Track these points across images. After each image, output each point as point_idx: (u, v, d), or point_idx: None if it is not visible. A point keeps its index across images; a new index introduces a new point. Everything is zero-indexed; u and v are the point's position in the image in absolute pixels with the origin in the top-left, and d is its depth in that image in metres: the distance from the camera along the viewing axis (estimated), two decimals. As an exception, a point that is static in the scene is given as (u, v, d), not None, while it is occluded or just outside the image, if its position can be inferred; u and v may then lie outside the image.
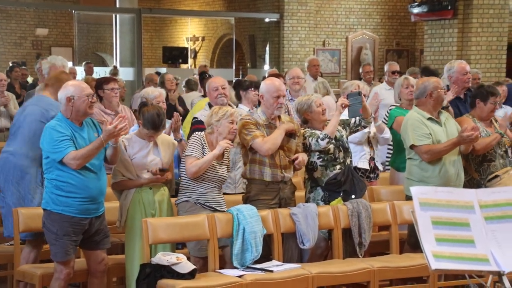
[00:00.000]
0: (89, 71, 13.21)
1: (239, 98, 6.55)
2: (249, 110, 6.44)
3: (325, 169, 5.38)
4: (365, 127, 5.67)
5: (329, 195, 5.37)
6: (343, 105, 5.40)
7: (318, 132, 5.40)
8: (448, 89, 6.77)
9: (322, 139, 5.28)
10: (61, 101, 4.70)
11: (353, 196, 5.38)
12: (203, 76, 9.66)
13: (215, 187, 5.07)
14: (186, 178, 5.03)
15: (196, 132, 5.11)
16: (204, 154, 4.97)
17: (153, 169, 4.95)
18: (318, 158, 5.38)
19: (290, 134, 5.26)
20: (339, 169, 5.38)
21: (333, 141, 5.36)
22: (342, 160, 5.43)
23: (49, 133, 4.63)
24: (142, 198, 4.98)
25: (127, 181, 4.97)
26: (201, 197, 5.02)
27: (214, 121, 5.00)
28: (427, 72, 10.21)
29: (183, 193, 5.06)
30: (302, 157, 5.23)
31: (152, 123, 4.93)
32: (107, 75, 12.88)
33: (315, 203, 5.35)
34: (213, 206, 5.05)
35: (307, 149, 5.36)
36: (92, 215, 4.71)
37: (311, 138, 5.34)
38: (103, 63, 18.96)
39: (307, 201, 5.41)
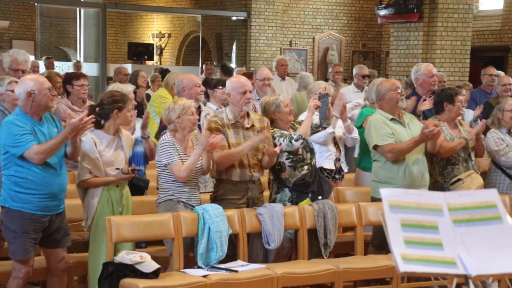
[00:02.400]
0: (49, 66, 12.98)
1: (207, 97, 6.51)
2: (216, 108, 6.40)
3: (293, 169, 5.37)
4: (325, 128, 5.70)
5: (297, 196, 5.36)
6: (315, 106, 5.41)
7: (286, 132, 5.38)
8: (414, 94, 6.82)
9: (296, 140, 5.27)
10: (19, 96, 4.58)
11: (320, 197, 5.38)
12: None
13: (195, 185, 5.07)
14: (168, 178, 4.97)
15: (163, 137, 5.04)
16: (180, 154, 4.94)
17: (125, 168, 4.86)
18: (286, 159, 5.36)
19: (258, 133, 5.22)
20: (306, 169, 5.38)
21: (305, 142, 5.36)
22: (309, 161, 5.44)
23: (7, 128, 4.51)
24: (110, 196, 4.90)
25: (96, 179, 4.87)
26: (184, 195, 4.99)
27: (174, 118, 4.95)
28: (225, 69, 10.69)
29: (166, 192, 5.01)
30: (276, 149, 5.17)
31: (111, 95, 4.89)
32: (70, 70, 12.71)
33: (281, 204, 5.33)
34: (193, 204, 5.03)
35: (282, 149, 5.31)
36: (52, 212, 4.62)
37: (282, 138, 5.32)
38: (66, 58, 18.70)
39: (273, 202, 5.39)
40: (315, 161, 5.54)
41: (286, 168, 5.37)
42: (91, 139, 4.83)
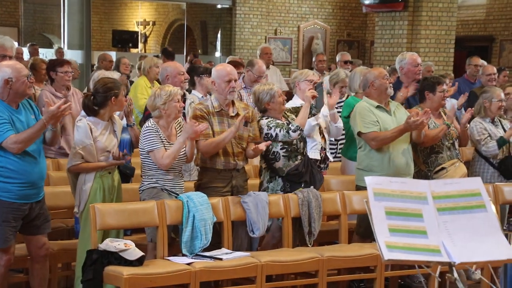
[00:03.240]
0: (34, 53, 12.87)
1: (193, 84, 6.48)
2: (202, 96, 6.38)
3: (288, 159, 5.37)
4: (314, 114, 5.68)
5: (290, 186, 5.37)
6: (313, 97, 5.42)
7: (282, 122, 5.37)
8: (399, 82, 6.84)
9: (294, 131, 5.28)
10: (3, 84, 4.48)
11: (311, 187, 5.40)
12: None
13: (179, 172, 5.05)
14: (152, 165, 4.96)
15: (146, 124, 5.03)
16: (163, 141, 4.92)
17: (116, 153, 4.87)
18: (281, 149, 5.36)
19: (245, 122, 5.23)
20: (300, 159, 5.38)
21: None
22: (302, 151, 5.45)
23: None
24: (103, 183, 4.90)
25: (87, 164, 4.87)
26: (167, 183, 4.98)
27: (160, 104, 4.94)
28: (166, 53, 11.01)
29: (149, 179, 4.99)
30: (262, 147, 5.17)
31: (104, 83, 4.88)
32: (53, 57, 12.60)
33: (273, 193, 5.34)
34: (177, 192, 5.02)
35: (271, 139, 5.32)
36: (32, 200, 4.58)
37: (278, 128, 5.31)
38: (50, 45, 18.53)
39: (264, 190, 5.38)
40: (306, 151, 5.55)
41: (281, 158, 5.37)
42: (86, 125, 4.82)
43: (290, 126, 5.32)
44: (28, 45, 13.58)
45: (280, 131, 5.30)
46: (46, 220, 4.71)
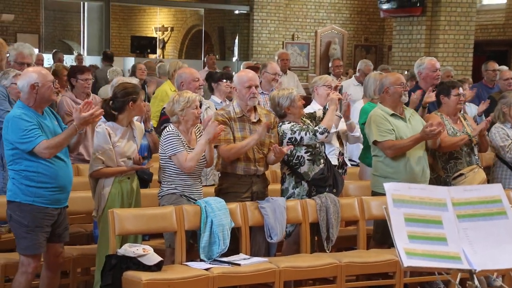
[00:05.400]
0: (58, 60, 13.01)
1: (211, 90, 6.50)
2: (221, 102, 6.40)
3: (312, 163, 5.36)
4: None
5: (316, 190, 5.36)
6: (338, 98, 5.42)
7: (304, 125, 5.36)
8: (418, 87, 6.82)
9: (322, 133, 5.27)
10: (22, 89, 4.50)
11: (334, 191, 5.40)
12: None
13: (198, 178, 5.06)
14: (172, 171, 4.97)
15: (167, 129, 5.06)
16: (184, 145, 4.94)
17: (136, 157, 4.88)
18: (305, 153, 5.35)
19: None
20: (323, 163, 5.37)
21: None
22: (324, 155, 5.44)
23: (15, 123, 4.43)
24: (122, 188, 4.92)
25: (108, 169, 4.89)
26: (187, 189, 5.00)
27: (178, 110, 4.96)
28: (105, 56, 11.93)
29: (169, 185, 5.01)
30: (285, 149, 5.15)
31: (126, 87, 4.91)
32: (73, 63, 12.71)
33: (299, 198, 5.33)
34: (196, 198, 5.03)
35: (295, 143, 5.30)
36: (61, 205, 4.59)
37: (303, 132, 5.30)
38: (70, 51, 18.68)
39: (290, 196, 5.37)
40: (326, 154, 5.55)
41: (306, 162, 5.35)
42: (105, 130, 4.85)
43: (317, 128, 5.30)
44: (53, 51, 13.70)
45: (305, 134, 5.29)
46: (66, 229, 4.72)
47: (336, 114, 5.63)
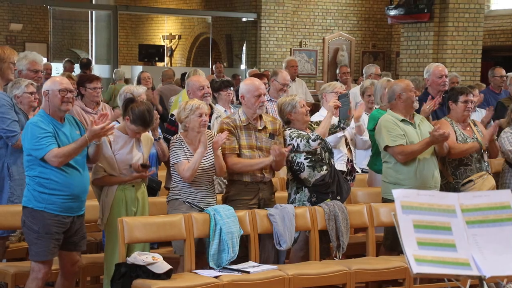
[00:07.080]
0: (69, 69, 13.06)
1: (214, 99, 6.52)
2: (225, 110, 6.41)
3: (313, 169, 5.35)
4: (343, 128, 5.67)
5: (317, 197, 5.35)
6: (335, 106, 5.42)
7: (303, 132, 5.38)
8: (426, 93, 6.81)
9: (314, 140, 5.26)
10: (43, 96, 4.61)
11: (338, 198, 5.38)
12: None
13: (205, 186, 5.06)
14: (177, 177, 5.02)
15: (173, 137, 5.10)
16: (186, 154, 4.96)
17: (136, 165, 4.89)
18: (305, 159, 5.35)
19: (270, 135, 5.24)
20: (325, 169, 5.37)
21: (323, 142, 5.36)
22: (327, 161, 5.43)
23: (30, 130, 4.50)
24: (125, 196, 4.93)
25: (110, 177, 4.91)
26: (190, 196, 5.01)
27: (183, 118, 4.99)
28: (82, 64, 12.02)
29: (172, 191, 5.08)
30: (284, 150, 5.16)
31: (142, 119, 4.88)
32: (77, 69, 12.78)
33: (301, 204, 5.33)
34: (201, 206, 5.03)
35: (293, 150, 5.32)
36: (74, 213, 4.60)
37: (299, 139, 5.30)
38: (78, 60, 18.77)
39: (292, 202, 5.38)
40: (333, 161, 5.53)
41: (305, 168, 5.35)
42: (105, 138, 4.86)
43: (310, 135, 5.31)
44: (64, 60, 13.75)
45: (301, 141, 5.29)
46: (83, 237, 4.72)
47: (338, 135, 5.66)
